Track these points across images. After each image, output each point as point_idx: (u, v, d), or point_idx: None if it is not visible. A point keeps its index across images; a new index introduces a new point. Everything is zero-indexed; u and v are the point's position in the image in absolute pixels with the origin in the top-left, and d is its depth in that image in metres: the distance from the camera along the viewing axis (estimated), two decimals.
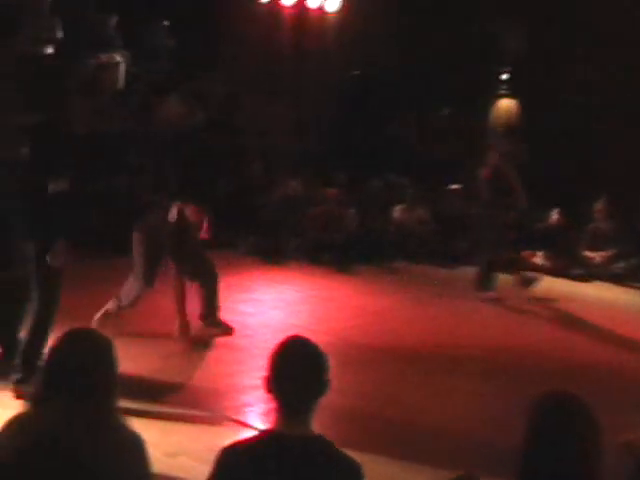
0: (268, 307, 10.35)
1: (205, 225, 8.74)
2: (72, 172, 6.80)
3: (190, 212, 8.44)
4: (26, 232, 6.63)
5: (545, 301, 12.04)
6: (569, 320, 11.22)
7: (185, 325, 8.66)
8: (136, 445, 3.58)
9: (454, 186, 14.99)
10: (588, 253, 14.04)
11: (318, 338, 3.72)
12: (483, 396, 8.01)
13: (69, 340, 3.53)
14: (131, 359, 6.89)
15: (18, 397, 6.36)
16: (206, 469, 3.55)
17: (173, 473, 5.57)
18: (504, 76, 16.54)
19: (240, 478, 3.47)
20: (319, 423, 3.61)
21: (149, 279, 8.23)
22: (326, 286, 11.78)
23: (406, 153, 15.72)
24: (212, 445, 5.82)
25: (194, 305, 8.68)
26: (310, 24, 16.26)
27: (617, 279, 13.57)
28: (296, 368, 3.53)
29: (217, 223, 12.31)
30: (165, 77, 14.67)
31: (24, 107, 6.81)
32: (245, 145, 15.29)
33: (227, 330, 8.75)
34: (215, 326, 8.72)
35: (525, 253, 13.95)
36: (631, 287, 13.33)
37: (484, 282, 11.82)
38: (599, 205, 14.27)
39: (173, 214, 8.30)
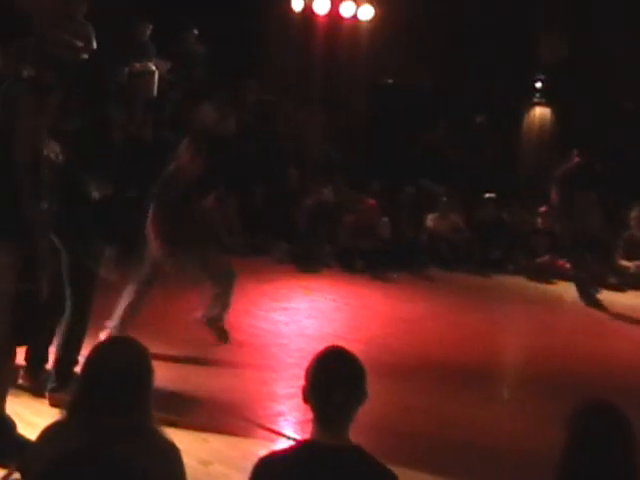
0: (302, 316, 10.33)
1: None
2: (113, 178, 6.83)
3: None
4: (66, 238, 6.65)
5: (579, 310, 11.97)
6: (604, 329, 11.14)
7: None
8: (172, 454, 3.57)
9: (488, 194, 14.94)
10: (623, 262, 13.94)
11: (352, 346, 3.71)
12: (518, 407, 7.96)
13: (106, 348, 3.53)
14: (166, 367, 6.90)
15: (53, 405, 6.38)
16: (241, 477, 3.54)
17: None
18: (538, 84, 16.50)
19: None
20: (353, 432, 3.59)
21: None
22: (360, 294, 11.76)
23: (440, 160, 15.67)
24: (247, 453, 5.84)
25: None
26: (343, 32, 16.26)
27: None
28: (334, 378, 3.51)
29: (252, 229, 12.41)
30: (200, 84, 14.74)
31: (65, 113, 6.83)
32: (281, 151, 15.32)
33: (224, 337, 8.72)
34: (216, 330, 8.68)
35: (549, 258, 13.88)
36: None
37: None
38: (635, 213, 14.17)
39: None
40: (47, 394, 6.57)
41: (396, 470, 3.63)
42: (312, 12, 16.03)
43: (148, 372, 3.55)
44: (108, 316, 7.94)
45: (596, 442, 3.37)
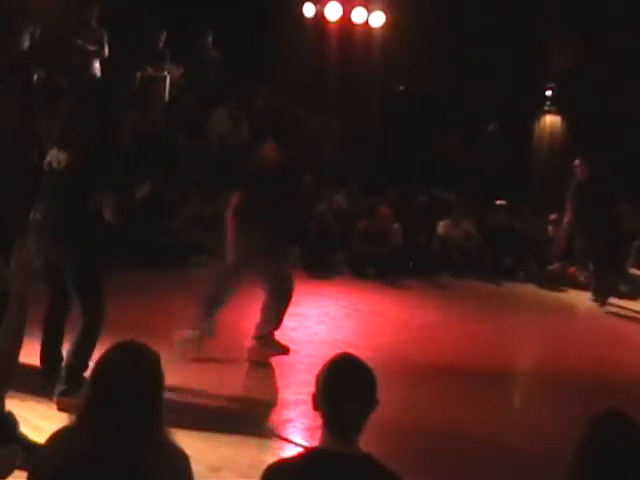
0: (312, 322, 10.30)
1: None
2: (121, 183, 6.82)
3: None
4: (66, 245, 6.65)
5: (590, 318, 11.94)
6: (615, 338, 11.11)
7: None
8: (181, 460, 3.56)
9: (500, 201, 14.91)
10: (634, 270, 13.89)
11: (362, 353, 3.69)
12: (531, 413, 7.94)
13: (116, 353, 3.51)
14: (176, 373, 6.89)
15: (61, 409, 6.37)
16: None
17: None
18: (549, 92, 16.49)
19: None
20: (364, 440, 3.57)
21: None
22: (371, 300, 11.74)
23: (452, 167, 15.65)
24: (256, 460, 5.83)
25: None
26: (355, 38, 16.26)
27: None
28: (345, 386, 3.49)
29: None
30: (213, 90, 14.76)
31: (75, 117, 6.84)
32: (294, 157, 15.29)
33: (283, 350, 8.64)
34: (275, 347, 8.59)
35: (560, 266, 13.85)
36: None
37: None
38: None
39: None
40: (55, 398, 6.56)
41: (406, 477, 3.61)
42: (324, 18, 16.03)
43: (158, 378, 3.53)
44: (124, 320, 7.90)
45: (608, 452, 3.35)
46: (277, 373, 8.32)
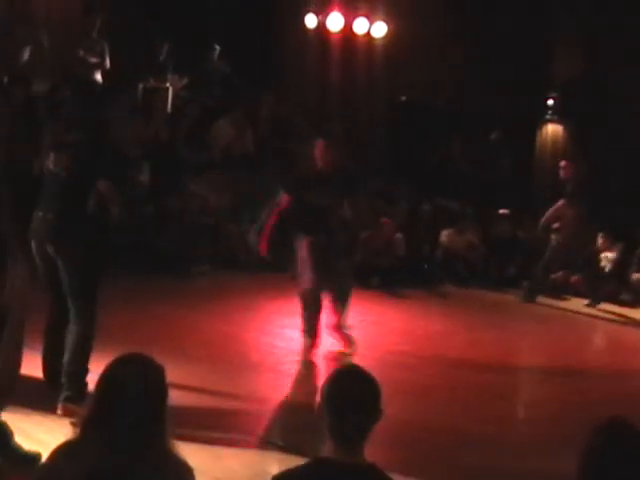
0: None
1: None
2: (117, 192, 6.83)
3: None
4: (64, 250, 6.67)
5: (594, 326, 11.93)
6: (618, 346, 11.11)
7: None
8: (185, 473, 3.55)
9: (503, 210, 14.91)
10: (636, 275, 13.87)
11: (367, 363, 3.70)
12: (533, 425, 7.92)
13: (120, 366, 3.50)
14: (181, 385, 6.89)
15: (65, 415, 6.38)
16: None
17: None
18: (550, 102, 16.50)
19: None
20: (368, 450, 3.57)
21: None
22: (375, 310, 11.72)
23: (455, 177, 15.65)
24: (260, 471, 5.83)
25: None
26: (358, 49, 16.28)
27: None
28: (349, 396, 3.49)
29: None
30: (217, 101, 14.76)
31: (69, 126, 6.87)
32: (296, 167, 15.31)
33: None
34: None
35: (563, 275, 13.84)
36: None
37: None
38: None
39: None
40: (60, 404, 6.56)
41: None
42: (326, 29, 16.04)
43: (163, 391, 3.53)
44: (124, 330, 7.91)
45: (611, 461, 3.34)
46: (281, 383, 8.32)
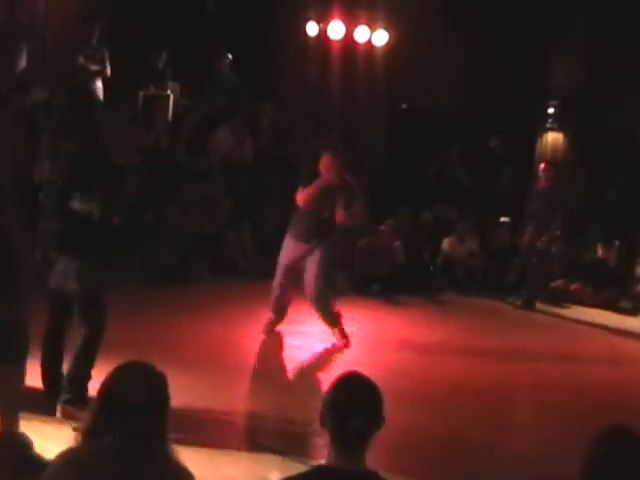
0: (315, 340, 10.27)
1: None
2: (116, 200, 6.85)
3: None
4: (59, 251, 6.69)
5: (593, 334, 11.93)
6: (618, 354, 11.10)
7: None
8: (185, 479, 3.55)
9: (503, 218, 14.92)
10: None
11: (367, 371, 3.69)
12: (534, 433, 7.92)
13: (122, 373, 3.50)
14: (182, 391, 6.87)
15: (65, 417, 6.38)
16: None
17: None
18: (551, 110, 16.51)
19: None
20: (369, 456, 3.56)
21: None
22: (374, 318, 11.72)
23: (455, 185, 15.66)
24: (260, 478, 5.82)
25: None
26: (358, 57, 16.28)
27: None
28: (351, 403, 3.49)
29: (265, 253, 12.40)
30: (217, 109, 14.74)
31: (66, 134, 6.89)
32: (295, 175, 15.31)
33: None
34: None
35: (563, 283, 13.85)
36: None
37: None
38: None
39: None
40: (59, 406, 6.56)
41: None
42: (327, 37, 16.05)
43: (164, 398, 3.53)
44: (125, 337, 7.90)
45: (614, 469, 3.34)
46: (282, 390, 8.31)
